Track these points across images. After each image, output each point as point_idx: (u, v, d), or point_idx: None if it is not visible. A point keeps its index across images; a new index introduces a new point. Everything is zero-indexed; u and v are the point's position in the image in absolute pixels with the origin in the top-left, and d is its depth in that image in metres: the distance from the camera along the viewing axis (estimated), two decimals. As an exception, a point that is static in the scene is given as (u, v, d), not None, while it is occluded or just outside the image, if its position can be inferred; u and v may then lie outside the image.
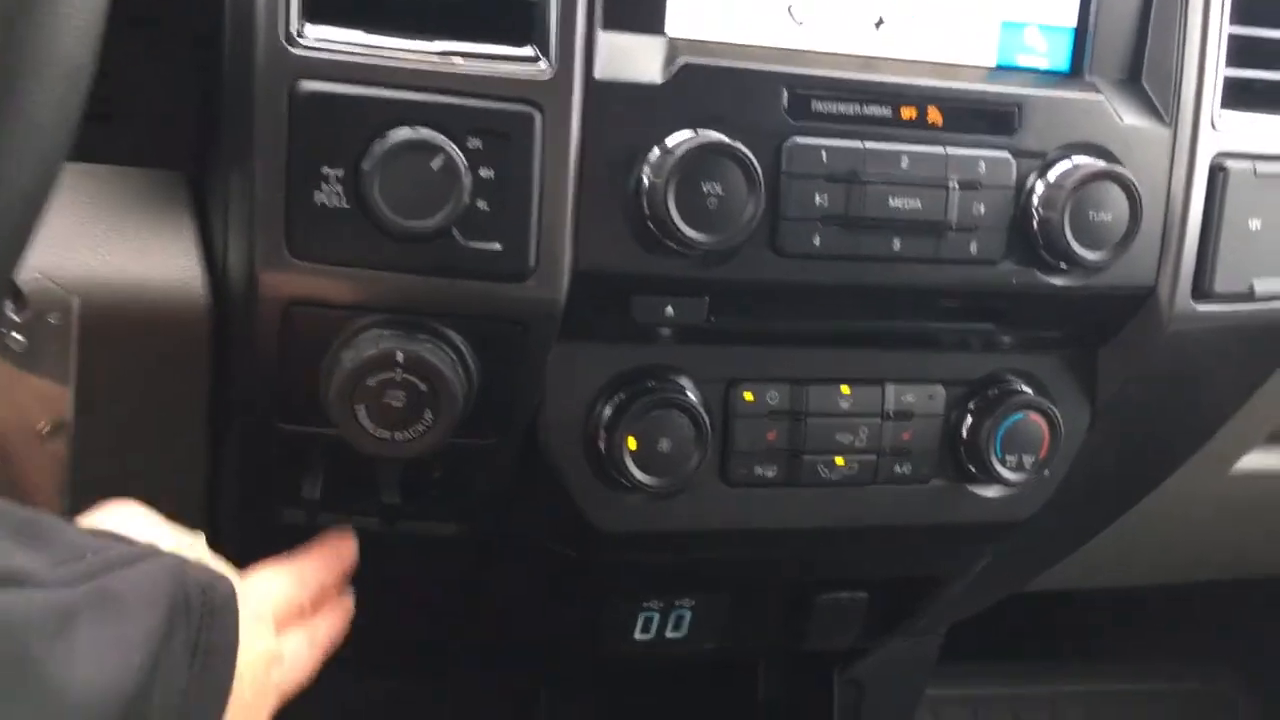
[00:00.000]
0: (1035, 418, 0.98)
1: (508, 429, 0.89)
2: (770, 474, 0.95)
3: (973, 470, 0.99)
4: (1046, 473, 1.00)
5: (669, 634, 1.12)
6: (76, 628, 0.51)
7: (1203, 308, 0.98)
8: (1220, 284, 0.97)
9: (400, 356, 0.79)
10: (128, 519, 0.69)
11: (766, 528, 0.98)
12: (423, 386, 0.80)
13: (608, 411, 0.90)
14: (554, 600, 1.08)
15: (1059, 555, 1.29)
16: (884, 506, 0.99)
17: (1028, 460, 0.98)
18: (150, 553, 0.60)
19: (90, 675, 0.50)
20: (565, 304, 0.83)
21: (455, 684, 1.27)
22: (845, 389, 0.96)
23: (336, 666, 1.29)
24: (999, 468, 0.98)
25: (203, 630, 0.59)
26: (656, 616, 1.10)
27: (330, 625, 0.82)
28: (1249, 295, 0.98)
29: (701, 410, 0.90)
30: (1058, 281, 0.93)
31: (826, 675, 1.33)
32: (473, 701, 1.31)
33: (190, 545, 0.72)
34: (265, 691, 0.69)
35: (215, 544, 1.06)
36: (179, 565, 0.61)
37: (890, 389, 0.97)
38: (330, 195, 0.78)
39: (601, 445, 0.90)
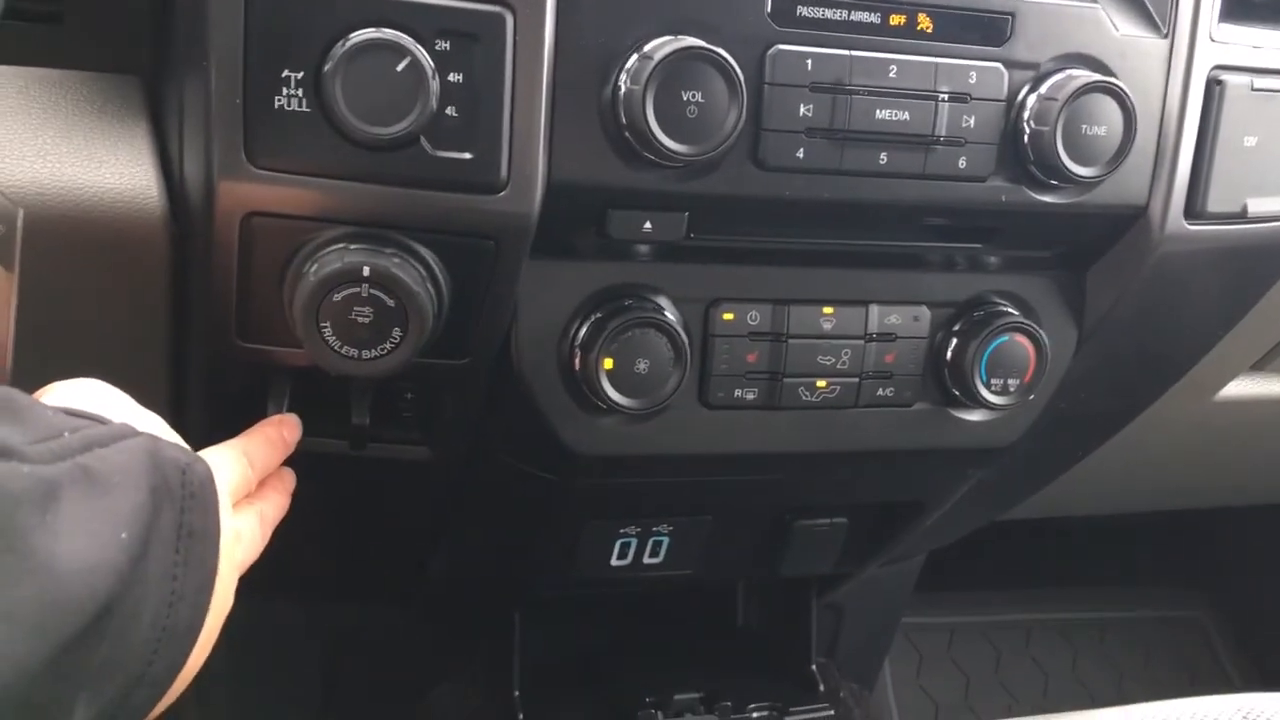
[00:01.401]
0: (1021, 340, 0.95)
1: (479, 349, 0.86)
2: (750, 397, 0.93)
3: (956, 394, 0.97)
4: (1031, 397, 0.98)
5: (646, 559, 1.10)
6: (61, 502, 0.50)
7: (1194, 228, 0.95)
8: (1213, 203, 0.95)
9: (367, 271, 0.76)
10: (93, 395, 0.66)
11: (745, 452, 0.96)
12: (390, 303, 0.77)
13: (583, 331, 0.87)
14: (530, 525, 1.06)
15: (1041, 481, 1.28)
16: (865, 431, 0.97)
17: (1013, 384, 0.96)
18: (127, 432, 0.58)
19: (79, 548, 0.49)
20: (539, 218, 0.80)
21: (431, 609, 1.25)
22: (828, 310, 0.93)
23: (310, 593, 1.28)
24: (983, 391, 0.96)
25: (185, 512, 0.58)
26: (634, 542, 1.09)
27: (276, 503, 0.81)
28: (1241, 215, 0.96)
29: (680, 330, 0.87)
30: (1048, 199, 0.90)
31: (805, 600, 1.32)
32: (450, 627, 1.30)
33: (155, 421, 0.69)
34: (230, 569, 0.68)
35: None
36: (154, 445, 0.59)
37: (874, 310, 0.94)
38: (291, 100, 0.74)
39: (577, 366, 0.87)
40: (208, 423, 0.93)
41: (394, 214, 0.77)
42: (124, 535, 0.52)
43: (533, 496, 0.99)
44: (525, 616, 1.21)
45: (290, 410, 0.88)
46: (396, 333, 0.78)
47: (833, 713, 1.24)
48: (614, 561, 1.09)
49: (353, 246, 0.77)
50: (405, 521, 1.07)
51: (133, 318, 0.89)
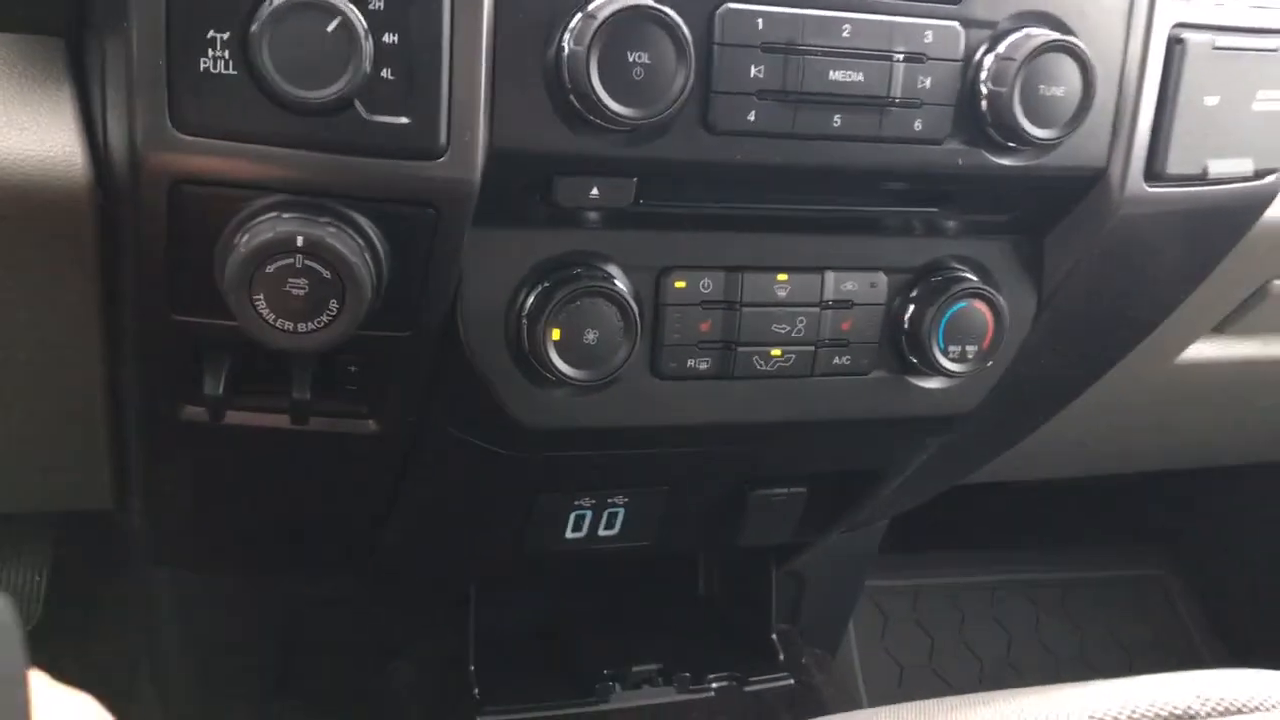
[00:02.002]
0: (979, 306, 0.94)
1: (422, 321, 0.83)
2: (703, 367, 0.91)
3: (914, 361, 0.96)
4: (990, 363, 0.96)
5: (601, 532, 1.08)
6: None
7: (1154, 190, 0.94)
8: (1173, 165, 0.93)
9: (300, 241, 0.73)
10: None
11: (699, 423, 0.94)
12: (326, 274, 0.75)
13: (530, 301, 0.85)
14: (480, 498, 1.04)
15: (1002, 447, 1.27)
16: (822, 400, 0.96)
17: (970, 350, 0.95)
18: None
19: None
20: (481, 185, 0.77)
21: (387, 583, 1.23)
22: (782, 277, 0.91)
23: (264, 566, 1.26)
24: (941, 358, 0.94)
25: None
26: (589, 515, 1.07)
27: None
28: (1202, 177, 0.94)
29: (630, 299, 0.85)
30: (1006, 161, 0.88)
31: (765, 569, 1.31)
32: (406, 600, 1.28)
33: None
34: None
35: (119, 445, 1.02)
36: None
37: (829, 277, 0.92)
38: (216, 62, 0.71)
39: (524, 337, 0.85)
40: (146, 400, 0.91)
41: (328, 182, 0.74)
42: None
43: (482, 470, 0.97)
44: (481, 589, 1.19)
45: (230, 384, 0.86)
46: (334, 305, 0.76)
47: (793, 681, 1.23)
48: (569, 534, 1.07)
49: (286, 215, 0.74)
50: (354, 494, 1.05)
51: (62, 291, 0.86)
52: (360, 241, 0.76)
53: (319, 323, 0.76)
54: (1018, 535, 2.19)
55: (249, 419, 0.89)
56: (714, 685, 1.20)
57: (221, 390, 0.85)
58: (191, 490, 1.01)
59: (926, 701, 0.70)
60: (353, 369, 0.90)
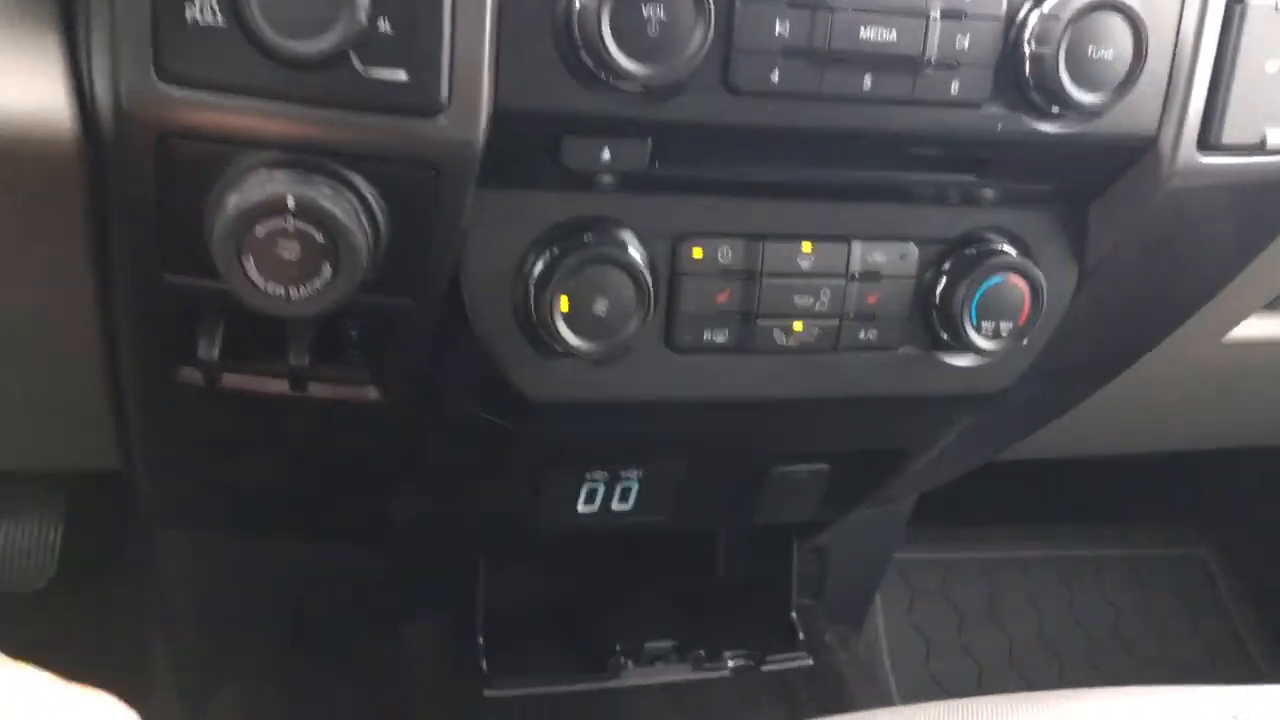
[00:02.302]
0: (1016, 280, 0.89)
1: (424, 287, 0.80)
2: (720, 340, 0.86)
3: (945, 337, 0.91)
4: (1025, 341, 0.91)
5: (615, 506, 1.05)
6: None
7: (1208, 160, 0.87)
8: (1229, 134, 0.87)
9: (291, 202, 0.69)
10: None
11: (716, 398, 0.89)
12: (319, 237, 0.71)
13: (538, 268, 0.81)
14: (489, 470, 1.01)
15: (1034, 426, 1.21)
16: (846, 376, 0.91)
17: (1005, 327, 0.90)
18: None
19: None
20: (484, 145, 0.73)
21: (398, 553, 1.21)
22: (806, 246, 0.86)
23: (274, 533, 1.24)
24: (973, 335, 0.89)
25: None
26: (601, 488, 1.03)
27: None
28: (1259, 147, 0.88)
29: (643, 267, 0.81)
30: (1049, 128, 0.83)
31: (786, 545, 1.27)
32: (417, 570, 1.25)
33: None
34: None
35: (120, 406, 0.99)
36: None
37: (857, 247, 0.87)
38: (203, 10, 0.66)
39: (530, 306, 0.81)
40: (141, 361, 0.88)
41: (322, 139, 0.70)
42: None
43: (490, 441, 0.94)
44: (492, 560, 1.16)
45: (226, 347, 0.83)
46: (327, 270, 0.72)
47: (811, 662, 1.20)
48: (581, 508, 1.03)
49: (277, 174, 0.70)
50: (359, 463, 1.02)
51: (53, 247, 0.83)
52: (356, 203, 0.72)
53: (312, 288, 0.72)
54: (1052, 511, 2.14)
55: (246, 384, 0.86)
56: (730, 664, 1.17)
57: (216, 354, 0.82)
58: (192, 454, 0.99)
59: (950, 702, 0.65)
60: (353, 335, 0.86)
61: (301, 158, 0.71)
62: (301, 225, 0.70)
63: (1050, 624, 2.08)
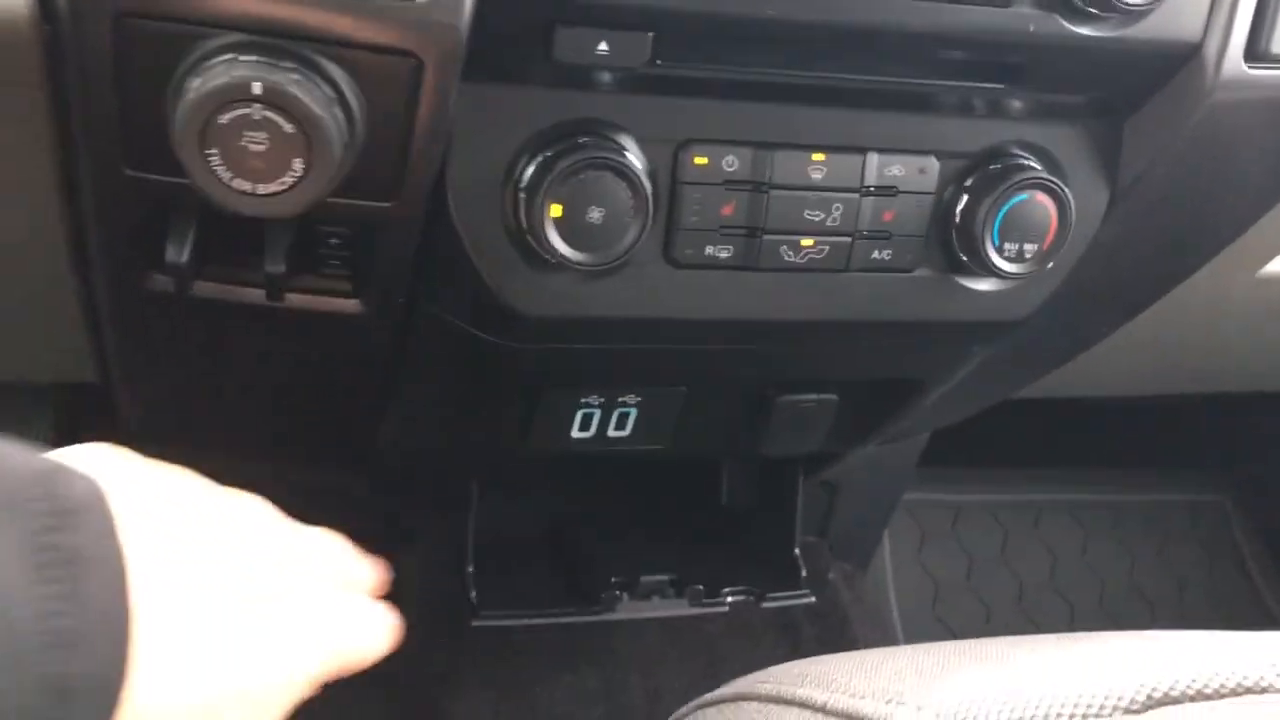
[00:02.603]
0: (1042, 199, 0.83)
1: (406, 191, 0.74)
2: (724, 255, 0.81)
3: (964, 259, 0.85)
4: (1050, 265, 0.85)
5: (612, 433, 1.00)
6: None
7: (1256, 72, 0.81)
8: (1279, 42, 0.80)
9: (258, 87, 0.64)
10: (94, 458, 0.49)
11: (718, 318, 0.84)
12: (288, 128, 0.65)
13: (529, 172, 0.75)
14: (479, 391, 0.96)
15: (1058, 360, 1.16)
16: (857, 299, 0.86)
17: (1029, 249, 0.84)
18: None
19: None
20: (470, 32, 0.67)
21: (387, 477, 1.16)
22: (818, 156, 0.80)
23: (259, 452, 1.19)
24: (995, 257, 0.83)
25: (55, 531, 0.40)
26: (597, 414, 0.98)
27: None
28: (1314, 58, 0.81)
29: (642, 174, 0.75)
30: (1085, 30, 0.76)
31: (792, 479, 1.22)
32: (407, 496, 1.21)
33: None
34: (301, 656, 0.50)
35: (90, 315, 0.94)
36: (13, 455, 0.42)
37: (873, 159, 0.81)
38: (160, -126, 0.61)
39: (520, 213, 0.75)
40: (109, 266, 0.83)
41: (290, 21, 0.65)
42: None
43: (479, 360, 0.89)
44: (484, 488, 1.11)
45: (198, 251, 0.78)
46: (298, 164, 0.66)
47: (814, 599, 1.15)
48: (575, 434, 0.99)
49: (242, 59, 0.64)
50: (344, 383, 0.97)
51: (11, 138, 0.77)
52: (330, 92, 0.66)
53: (282, 184, 0.67)
54: (1068, 454, 2.08)
55: (220, 292, 0.81)
56: (729, 600, 1.13)
57: (186, 258, 0.77)
58: (167, 367, 0.94)
59: (959, 643, 0.61)
60: (333, 241, 0.81)
61: (270, 42, 0.65)
62: (269, 114, 0.65)
63: (1062, 568, 2.04)
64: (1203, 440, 2.15)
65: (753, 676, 0.61)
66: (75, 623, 0.39)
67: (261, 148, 0.65)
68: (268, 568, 0.52)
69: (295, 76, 0.65)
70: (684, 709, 0.66)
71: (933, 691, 0.48)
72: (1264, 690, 0.46)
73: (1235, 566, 2.13)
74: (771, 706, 0.55)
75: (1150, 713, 0.45)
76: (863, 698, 0.50)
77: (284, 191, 0.67)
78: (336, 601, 0.55)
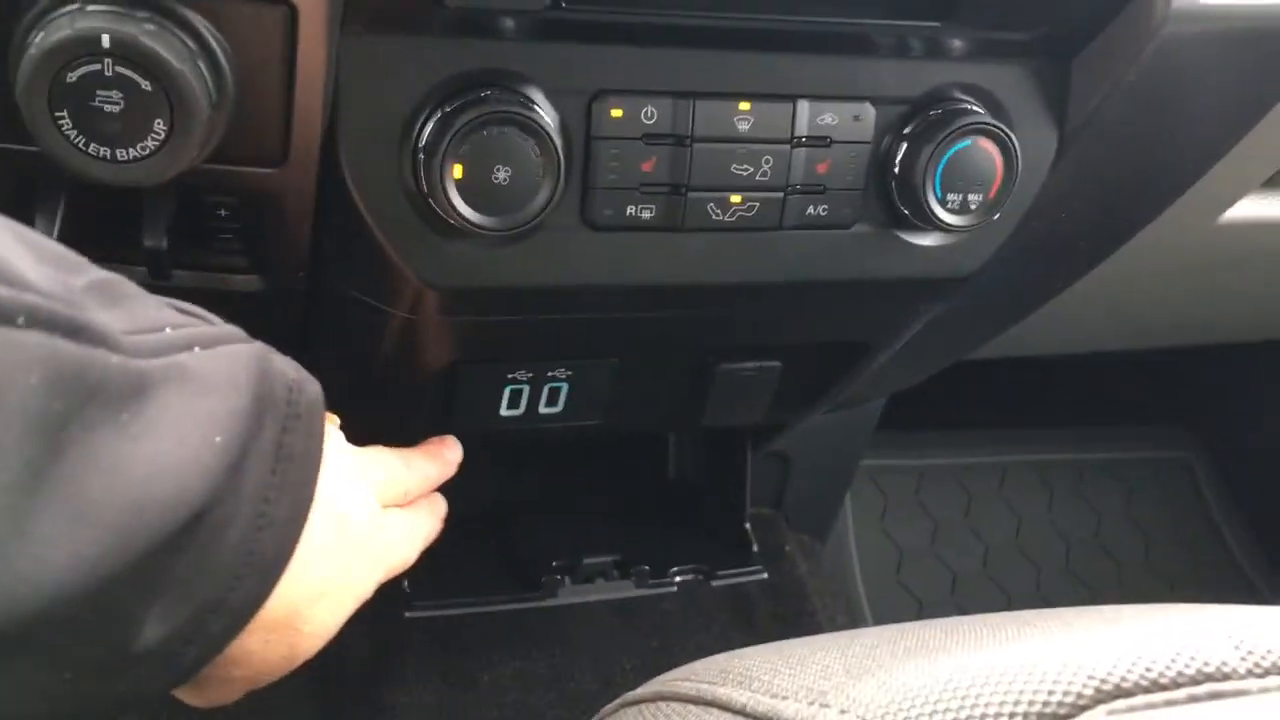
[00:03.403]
0: (986, 145, 0.77)
1: (293, 153, 0.68)
2: (646, 215, 0.75)
3: (906, 213, 0.80)
4: (996, 216, 0.80)
5: (543, 409, 0.94)
6: (149, 400, 0.45)
7: (1207, 3, 0.76)
8: (1235, -30, 0.75)
9: (107, 40, 0.57)
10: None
11: (643, 283, 0.78)
12: (146, 85, 0.59)
13: (428, 129, 0.69)
14: (397, 367, 0.90)
15: (1013, 317, 1.11)
16: (793, 258, 0.80)
17: (974, 200, 0.78)
18: (236, 336, 0.53)
19: (163, 449, 0.45)
20: (348, -26, 0.61)
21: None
22: (744, 105, 0.74)
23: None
24: (938, 209, 0.78)
25: (287, 431, 0.52)
26: (526, 389, 0.92)
27: (429, 520, 0.78)
28: (1268, -13, 0.76)
29: (552, 129, 0.69)
30: (1025, -41, 0.71)
31: (740, 450, 1.17)
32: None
33: None
34: (363, 548, 0.64)
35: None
36: (265, 355, 0.53)
37: (803, 107, 0.76)
38: None
39: (420, 175, 0.69)
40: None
41: (141, -37, 0.58)
42: (219, 439, 0.47)
43: (392, 335, 0.83)
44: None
45: (70, 227, 0.71)
46: (160, 126, 0.60)
47: (765, 576, 1.10)
48: (504, 411, 0.93)
49: (91, 8, 0.58)
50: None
51: None
52: (192, 44, 0.60)
53: (144, 149, 0.61)
54: (1031, 413, 2.05)
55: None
56: (678, 579, 1.07)
57: (55, 235, 0.71)
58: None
59: (895, 629, 0.56)
60: (222, 213, 0.75)
61: (121, -11, 0.59)
62: (122, 70, 0.58)
63: (1029, 530, 2.00)
64: (1165, 395, 2.12)
65: (676, 672, 0.56)
66: (275, 509, 0.51)
67: (117, 108, 0.59)
68: (398, 475, 0.73)
69: (150, 27, 0.58)
70: (608, 706, 0.60)
71: (859, 690, 0.43)
72: (1225, 677, 0.41)
73: (1201, 520, 2.11)
74: (691, 707, 0.50)
75: (1100, 708, 0.40)
76: (785, 698, 0.45)
77: (147, 157, 0.61)
78: (428, 509, 0.78)
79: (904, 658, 0.45)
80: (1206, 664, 0.41)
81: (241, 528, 0.49)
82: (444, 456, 0.83)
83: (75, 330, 0.42)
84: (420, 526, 0.76)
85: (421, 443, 0.83)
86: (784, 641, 0.55)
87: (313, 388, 0.56)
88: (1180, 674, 0.41)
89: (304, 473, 0.53)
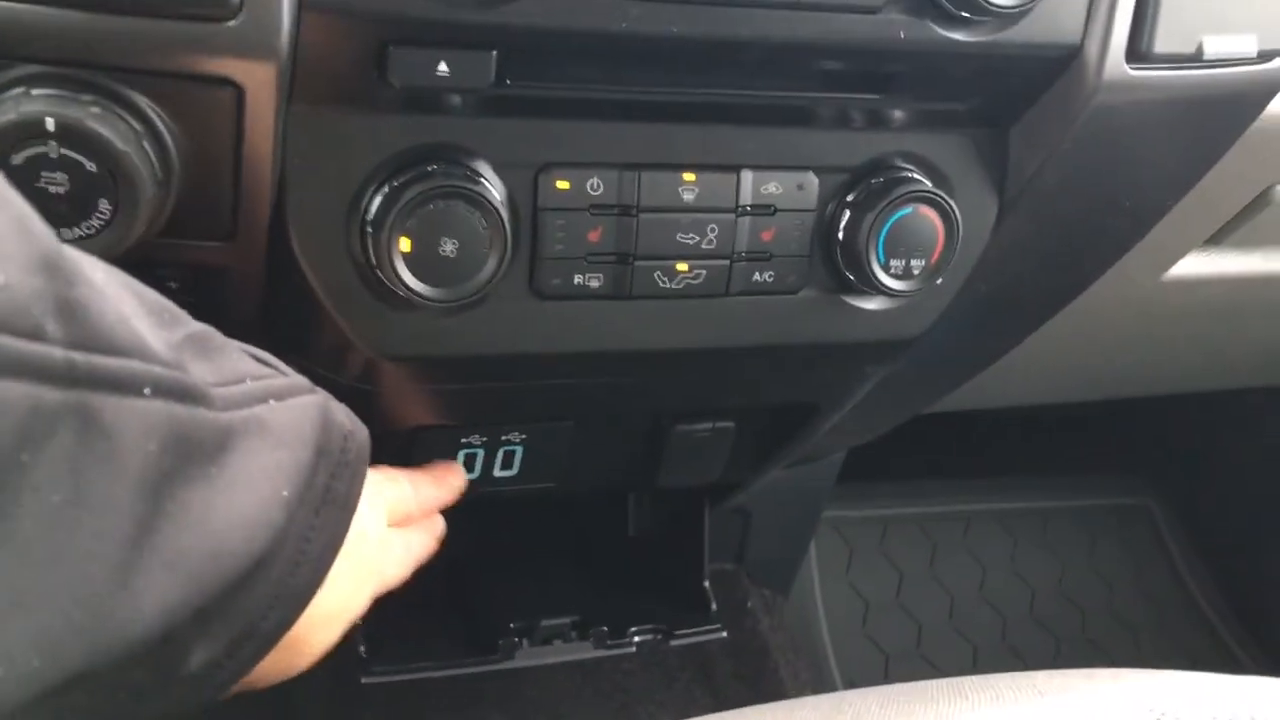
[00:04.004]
0: (927, 212, 0.79)
1: (239, 230, 0.69)
2: (594, 284, 0.76)
3: (850, 278, 0.81)
4: (939, 281, 0.82)
5: (498, 473, 0.95)
6: (233, 454, 0.48)
7: (1138, 73, 0.78)
8: (1161, 42, 0.77)
9: (51, 123, 0.58)
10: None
11: (592, 350, 0.79)
12: (90, 166, 0.60)
13: (375, 203, 0.70)
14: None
15: (963, 375, 1.12)
16: (740, 323, 0.81)
17: (917, 265, 0.80)
18: (303, 387, 0.57)
19: (242, 502, 0.48)
20: (292, 55, 0.62)
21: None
22: (689, 176, 0.76)
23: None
24: (881, 275, 0.80)
25: (335, 478, 0.56)
26: (481, 453, 0.93)
27: (425, 541, 0.81)
28: (1196, 57, 0.78)
29: (498, 202, 0.70)
30: (959, 36, 0.73)
31: (699, 508, 1.17)
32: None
33: None
34: (369, 569, 0.68)
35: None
36: (327, 405, 0.58)
37: (747, 176, 0.77)
38: (-74, -110, 0.55)
39: (369, 248, 0.70)
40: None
41: (86, 47, 0.59)
42: (285, 493, 0.51)
43: (345, 402, 0.83)
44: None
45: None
46: (105, 206, 0.61)
47: (725, 635, 1.11)
48: (458, 476, 0.93)
49: (35, 92, 0.59)
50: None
51: None
52: (137, 126, 0.61)
53: (90, 228, 0.61)
54: (993, 463, 2.06)
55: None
56: (636, 639, 1.07)
57: (5, 312, 0.71)
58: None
59: (844, 698, 0.56)
60: (172, 286, 0.75)
61: (68, 73, 0.60)
62: (68, 153, 0.59)
63: (993, 579, 2.01)
64: (1125, 443, 2.14)
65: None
66: (312, 547, 0.53)
67: (62, 189, 0.60)
68: (406, 496, 0.77)
69: (95, 110, 0.59)
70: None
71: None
72: (1147, 751, 0.42)
73: (1164, 567, 2.12)
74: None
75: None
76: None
77: (93, 236, 0.61)
78: (428, 529, 0.81)
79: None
80: (1127, 736, 0.42)
81: (281, 564, 0.52)
82: (448, 481, 0.86)
83: (185, 393, 0.45)
84: (416, 547, 0.79)
85: (426, 466, 0.87)
86: (725, 714, 0.55)
87: (363, 435, 0.60)
88: (1103, 747, 0.42)
89: (343, 513, 0.56)
